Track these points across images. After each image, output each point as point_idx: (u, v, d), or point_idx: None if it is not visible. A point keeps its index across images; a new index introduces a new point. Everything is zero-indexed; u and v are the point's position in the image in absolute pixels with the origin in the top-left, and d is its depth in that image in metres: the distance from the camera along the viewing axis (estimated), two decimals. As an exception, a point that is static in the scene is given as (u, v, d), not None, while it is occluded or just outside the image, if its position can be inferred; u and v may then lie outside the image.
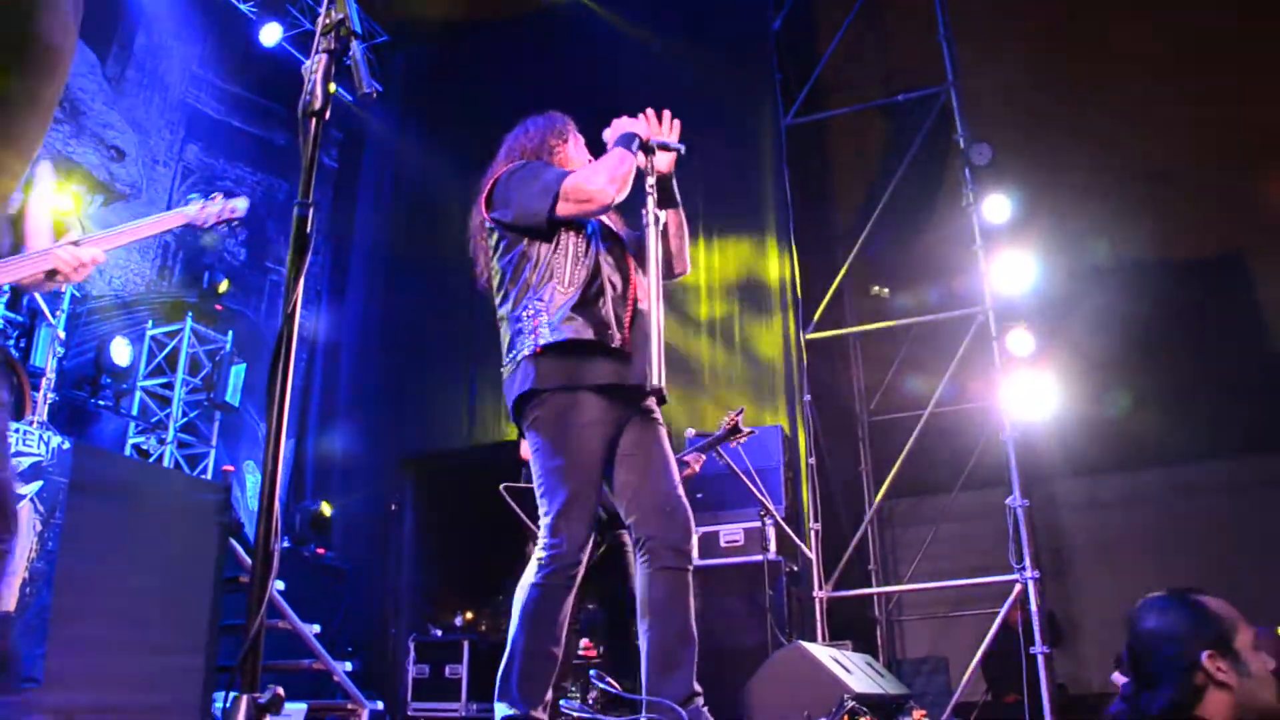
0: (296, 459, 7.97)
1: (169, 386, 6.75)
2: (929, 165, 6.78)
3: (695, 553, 2.56)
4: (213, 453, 6.97)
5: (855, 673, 4.19)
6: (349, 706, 4.66)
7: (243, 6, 7.85)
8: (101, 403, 6.32)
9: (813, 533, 5.93)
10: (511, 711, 2.43)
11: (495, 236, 2.70)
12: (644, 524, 2.51)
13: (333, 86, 1.61)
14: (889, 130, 7.37)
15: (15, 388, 2.41)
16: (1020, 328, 5.82)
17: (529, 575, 2.49)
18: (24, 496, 2.94)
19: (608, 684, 2.67)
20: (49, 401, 5.05)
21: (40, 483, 3.05)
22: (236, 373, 6.99)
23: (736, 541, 5.38)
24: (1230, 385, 6.70)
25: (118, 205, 6.82)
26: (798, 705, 3.72)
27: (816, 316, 6.43)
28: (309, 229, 1.54)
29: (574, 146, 2.86)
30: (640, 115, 2.64)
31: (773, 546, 5.06)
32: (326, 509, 7.11)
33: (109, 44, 6.93)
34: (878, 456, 7.43)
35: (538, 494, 2.53)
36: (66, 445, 3.22)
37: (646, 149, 2.56)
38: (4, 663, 2.44)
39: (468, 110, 7.85)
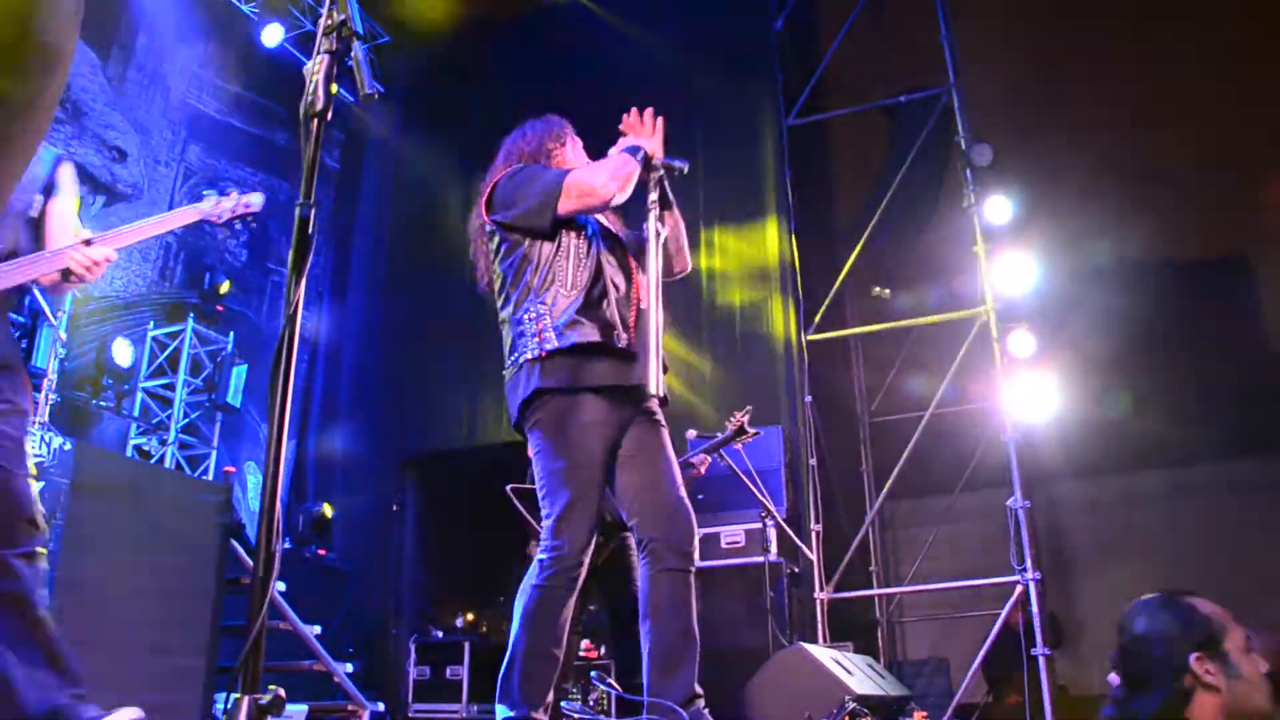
0: (298, 460, 7.97)
1: (170, 387, 6.75)
2: (930, 166, 6.76)
3: (697, 554, 2.56)
4: (214, 454, 6.97)
5: (856, 674, 4.19)
6: (350, 708, 4.66)
7: (244, 7, 7.85)
8: (103, 404, 6.32)
9: (814, 534, 5.92)
10: (512, 713, 2.43)
11: (496, 239, 2.70)
12: (646, 526, 2.51)
13: (334, 87, 1.61)
14: (890, 131, 7.35)
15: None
16: (1021, 329, 5.81)
17: (530, 576, 2.49)
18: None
19: (609, 685, 2.67)
20: (50, 402, 5.06)
21: (41, 483, 3.05)
22: (238, 374, 6.99)
23: (737, 543, 5.38)
24: (1232, 386, 6.68)
25: (119, 206, 6.82)
26: (799, 707, 3.72)
27: (818, 317, 6.42)
28: (311, 230, 1.53)
29: (572, 149, 2.87)
30: (644, 124, 2.64)
31: (774, 548, 5.06)
32: (328, 510, 7.10)
33: (110, 44, 6.93)
34: (879, 458, 7.42)
35: (539, 496, 2.54)
36: (68, 446, 3.23)
37: (649, 165, 2.58)
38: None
39: (469, 111, 7.87)
